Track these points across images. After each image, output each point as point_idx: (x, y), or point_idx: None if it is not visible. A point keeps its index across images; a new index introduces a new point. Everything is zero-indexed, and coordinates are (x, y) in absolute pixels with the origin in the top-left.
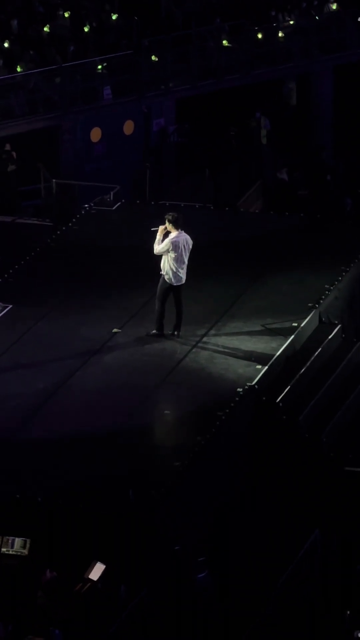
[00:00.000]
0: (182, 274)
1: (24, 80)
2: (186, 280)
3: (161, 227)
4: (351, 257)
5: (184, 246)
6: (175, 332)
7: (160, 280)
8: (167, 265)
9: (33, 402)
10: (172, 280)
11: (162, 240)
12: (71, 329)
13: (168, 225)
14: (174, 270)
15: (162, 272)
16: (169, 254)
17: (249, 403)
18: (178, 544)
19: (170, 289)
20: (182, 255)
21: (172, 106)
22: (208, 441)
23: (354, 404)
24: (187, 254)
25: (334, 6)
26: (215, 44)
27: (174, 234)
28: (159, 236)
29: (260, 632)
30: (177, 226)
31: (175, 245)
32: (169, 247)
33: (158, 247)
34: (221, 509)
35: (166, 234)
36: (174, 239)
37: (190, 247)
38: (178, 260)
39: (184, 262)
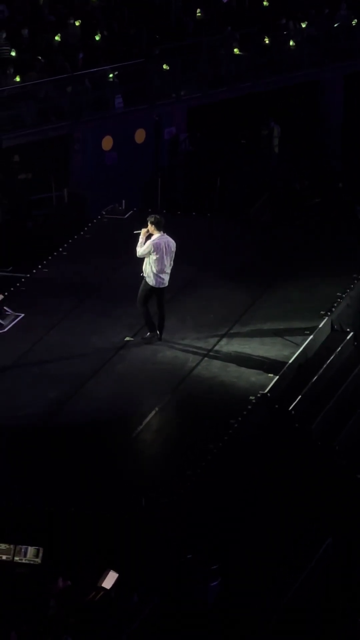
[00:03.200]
0: (164, 276)
1: (34, 89)
2: (198, 288)
3: (143, 230)
4: None
5: (165, 248)
6: (159, 336)
7: (142, 282)
8: (148, 267)
9: (45, 411)
10: (153, 282)
11: (145, 243)
12: (83, 337)
13: (150, 228)
14: (155, 272)
15: (144, 275)
16: (150, 256)
17: (262, 411)
18: (190, 552)
19: (151, 291)
20: (163, 257)
21: (183, 114)
22: (220, 449)
23: None
24: (170, 257)
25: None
26: (226, 52)
27: (155, 236)
28: (141, 239)
29: (266, 636)
30: (159, 228)
31: (156, 247)
32: (151, 249)
33: (140, 250)
34: (233, 517)
35: (149, 237)
36: (155, 241)
37: (173, 250)
38: (159, 262)
39: (165, 265)
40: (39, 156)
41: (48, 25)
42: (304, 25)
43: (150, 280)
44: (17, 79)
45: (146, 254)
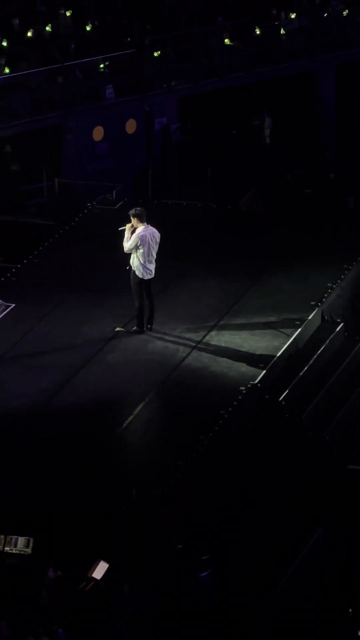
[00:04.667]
0: (151, 267)
1: (26, 79)
2: (188, 279)
3: (128, 225)
4: (354, 256)
5: (151, 240)
6: (149, 326)
7: (131, 275)
8: (136, 260)
9: (36, 401)
10: (143, 274)
11: (131, 237)
12: (74, 328)
13: (133, 221)
14: (143, 264)
15: (133, 268)
16: (137, 250)
17: (252, 402)
18: (181, 542)
19: (141, 283)
20: (150, 249)
21: (174, 105)
22: (211, 440)
23: (356, 402)
24: (155, 248)
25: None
26: (218, 42)
27: (140, 228)
28: (127, 234)
29: (263, 630)
30: (142, 220)
31: (142, 240)
32: (137, 242)
33: (127, 245)
34: (224, 507)
35: (134, 231)
36: (141, 234)
37: (158, 240)
38: (146, 254)
39: (152, 256)
40: (31, 147)
41: (39, 15)
42: (292, 16)
43: (139, 272)
44: (7, 70)
45: (133, 248)
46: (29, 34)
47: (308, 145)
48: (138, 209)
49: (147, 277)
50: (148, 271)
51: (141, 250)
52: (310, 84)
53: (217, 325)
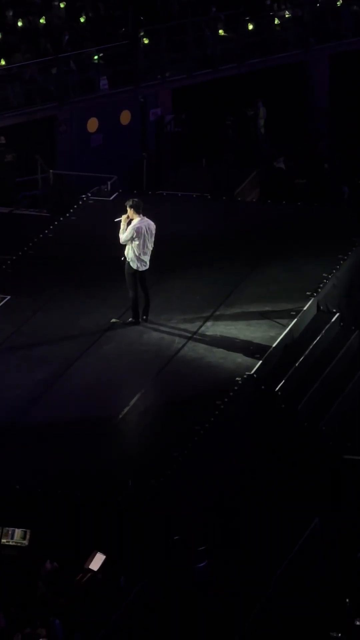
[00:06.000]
0: (146, 259)
1: (20, 71)
2: (184, 270)
3: (124, 216)
4: (349, 246)
5: (147, 232)
6: (144, 317)
7: (125, 266)
8: (131, 251)
9: (32, 392)
10: (138, 266)
11: (126, 229)
12: (69, 319)
13: (130, 212)
14: (138, 255)
15: (127, 259)
16: (133, 241)
17: (248, 392)
18: (177, 533)
19: (135, 274)
20: (145, 241)
21: (168, 96)
22: (207, 430)
23: (352, 393)
24: (151, 239)
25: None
26: (211, 33)
27: (135, 220)
28: (123, 225)
29: (260, 620)
30: (138, 212)
31: (138, 232)
32: (133, 234)
33: (122, 236)
34: (220, 498)
35: (130, 223)
36: (137, 226)
37: (153, 231)
38: (141, 246)
39: (147, 248)
40: (25, 138)
41: (33, 7)
42: (288, 13)
43: (134, 263)
44: (2, 62)
45: (129, 240)
46: (23, 25)
47: (301, 135)
48: (135, 199)
49: (141, 268)
50: (143, 263)
51: (136, 242)
52: (303, 74)
53: (212, 316)
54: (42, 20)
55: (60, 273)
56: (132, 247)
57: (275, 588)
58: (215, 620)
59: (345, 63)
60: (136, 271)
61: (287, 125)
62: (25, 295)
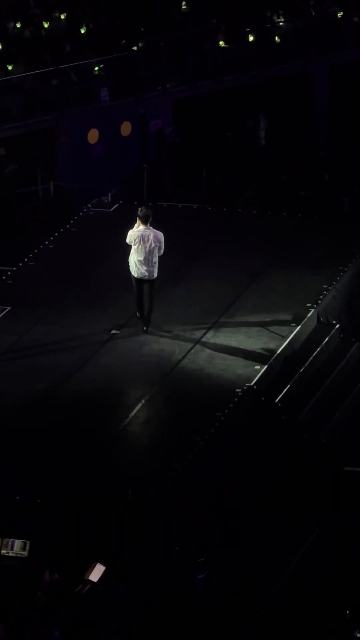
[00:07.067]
0: (142, 267)
1: (20, 82)
2: (184, 281)
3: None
4: (349, 257)
5: (142, 241)
6: (145, 328)
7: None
8: (130, 257)
9: (31, 403)
10: (133, 272)
11: None
12: (69, 330)
13: (137, 222)
14: (132, 262)
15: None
16: (132, 246)
17: (248, 403)
18: (178, 544)
19: (137, 282)
20: (139, 249)
21: (169, 107)
22: (207, 442)
23: (352, 404)
24: (150, 250)
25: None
26: (212, 44)
27: (135, 228)
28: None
29: (259, 631)
30: (142, 222)
31: (130, 237)
32: (128, 239)
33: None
34: (220, 508)
35: None
36: (130, 232)
37: (154, 243)
38: (136, 253)
39: (142, 256)
40: (26, 149)
41: (34, 17)
42: (283, 21)
43: (132, 268)
44: (9, 67)
45: (128, 243)
46: (24, 36)
47: (303, 147)
48: (143, 209)
49: (137, 275)
50: (138, 271)
51: (133, 248)
52: (304, 85)
53: (212, 327)
54: (43, 30)
55: (60, 284)
56: (132, 251)
57: (274, 599)
58: (215, 630)
59: (346, 74)
60: (137, 279)
61: (288, 136)
62: (26, 306)
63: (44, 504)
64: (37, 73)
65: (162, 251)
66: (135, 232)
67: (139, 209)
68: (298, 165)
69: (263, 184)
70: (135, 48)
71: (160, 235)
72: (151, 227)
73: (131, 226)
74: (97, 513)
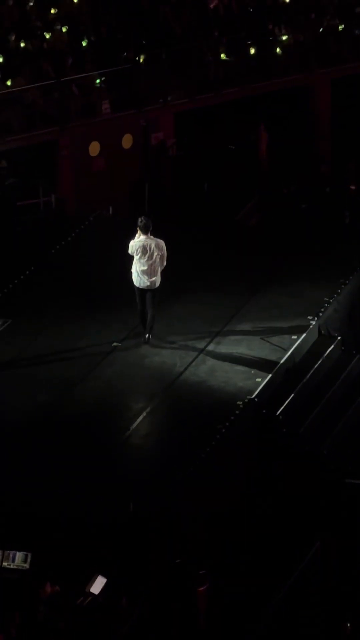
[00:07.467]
0: (143, 277)
1: (21, 95)
2: (185, 293)
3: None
4: (350, 270)
5: (143, 250)
6: (147, 336)
7: None
8: (132, 266)
9: (33, 415)
10: (136, 283)
11: None
12: (71, 342)
13: (138, 232)
14: (133, 271)
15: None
16: (134, 256)
17: (249, 416)
18: (179, 557)
19: (140, 292)
20: (142, 259)
21: (170, 120)
22: (208, 454)
23: (354, 416)
24: (149, 259)
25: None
26: (213, 57)
27: (135, 238)
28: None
29: None
30: (142, 231)
31: (131, 247)
32: (129, 250)
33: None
34: (222, 520)
35: None
36: (132, 242)
37: (155, 252)
38: (138, 263)
39: (145, 266)
40: (26, 162)
41: (35, 30)
42: (284, 35)
43: (135, 279)
44: (9, 82)
45: (130, 254)
46: (25, 49)
47: (303, 160)
48: (141, 219)
49: (140, 285)
50: (139, 280)
51: (135, 258)
52: (306, 98)
53: (214, 340)
54: (45, 43)
55: (61, 296)
56: (134, 263)
57: (274, 611)
58: None
59: (348, 87)
60: (139, 288)
61: (289, 149)
62: (27, 318)
63: (45, 516)
64: (39, 86)
65: (164, 259)
66: (137, 242)
67: (139, 219)
68: (299, 178)
69: (264, 196)
70: (136, 61)
71: (162, 243)
72: (152, 236)
73: (132, 238)
74: (98, 525)
